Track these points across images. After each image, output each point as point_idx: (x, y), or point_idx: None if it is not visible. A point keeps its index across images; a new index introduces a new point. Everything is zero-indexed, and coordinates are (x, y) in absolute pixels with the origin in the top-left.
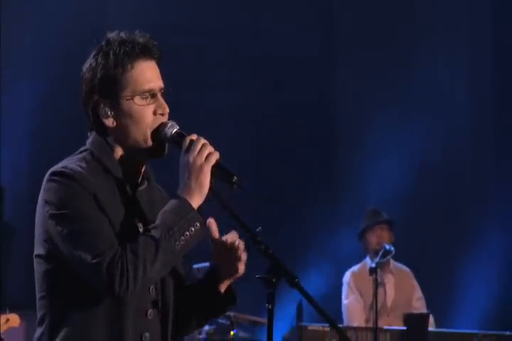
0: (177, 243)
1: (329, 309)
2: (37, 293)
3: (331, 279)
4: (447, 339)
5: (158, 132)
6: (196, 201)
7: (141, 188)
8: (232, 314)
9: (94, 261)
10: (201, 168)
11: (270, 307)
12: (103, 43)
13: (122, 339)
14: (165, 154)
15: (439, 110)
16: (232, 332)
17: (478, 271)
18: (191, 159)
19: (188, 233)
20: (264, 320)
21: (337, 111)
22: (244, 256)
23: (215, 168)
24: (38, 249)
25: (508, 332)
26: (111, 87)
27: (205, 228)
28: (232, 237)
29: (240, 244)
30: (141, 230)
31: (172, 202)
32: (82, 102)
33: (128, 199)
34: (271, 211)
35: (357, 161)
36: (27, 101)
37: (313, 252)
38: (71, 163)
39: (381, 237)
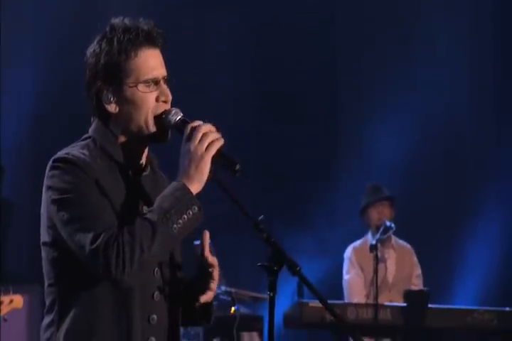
0: (174, 226)
1: (328, 285)
2: (45, 280)
3: (332, 255)
4: (447, 316)
5: (161, 119)
6: (195, 187)
7: (145, 173)
8: (233, 290)
9: (91, 245)
10: (202, 156)
11: (272, 294)
12: (107, 29)
13: (130, 322)
14: (168, 140)
15: (439, 83)
16: (233, 308)
17: (479, 247)
18: (192, 148)
19: (185, 216)
20: (265, 296)
21: (337, 88)
22: (216, 276)
23: (218, 156)
24: (44, 237)
25: (507, 308)
26: (114, 74)
27: (202, 214)
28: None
29: (214, 261)
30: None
31: (170, 186)
32: (86, 87)
33: (132, 185)
34: (270, 188)
35: (357, 137)
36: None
37: (314, 229)
38: (74, 149)
39: (382, 213)
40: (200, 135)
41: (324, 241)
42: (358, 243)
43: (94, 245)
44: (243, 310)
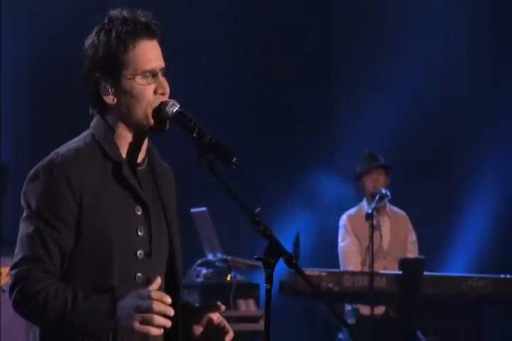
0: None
1: (324, 253)
2: None
3: (329, 223)
4: (442, 283)
5: (159, 111)
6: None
7: (140, 168)
8: (229, 258)
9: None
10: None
11: (268, 287)
12: (105, 21)
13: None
14: (166, 130)
15: (436, 44)
16: (229, 276)
17: (473, 215)
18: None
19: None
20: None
21: (334, 61)
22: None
23: (215, 148)
24: None
25: (502, 275)
26: (112, 65)
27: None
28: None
29: (226, 326)
30: (139, 213)
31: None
32: (84, 79)
33: (126, 184)
34: (267, 159)
35: (354, 107)
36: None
37: (310, 196)
38: (69, 144)
39: (377, 181)
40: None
41: (321, 209)
42: (352, 211)
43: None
44: (239, 277)
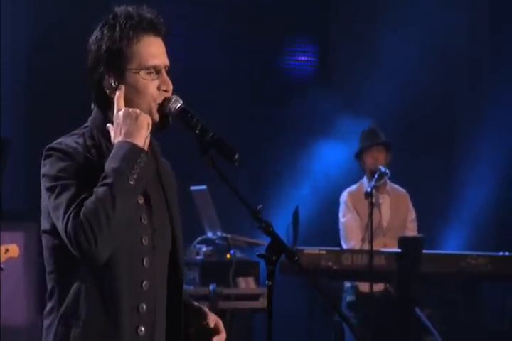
0: (130, 178)
1: (323, 229)
2: (46, 266)
3: (329, 196)
4: (441, 261)
5: (162, 107)
6: (138, 140)
7: None
8: (229, 236)
9: (65, 233)
10: (136, 114)
11: (270, 283)
12: (109, 16)
13: (117, 311)
14: (169, 127)
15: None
16: (228, 254)
17: (472, 192)
18: (123, 111)
19: (136, 166)
20: (262, 242)
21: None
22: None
23: (218, 145)
24: (44, 224)
25: (500, 253)
26: (116, 59)
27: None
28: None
29: (221, 325)
30: (140, 202)
31: (114, 148)
32: (87, 74)
33: None
34: (267, 131)
35: (351, 82)
36: None
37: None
38: (68, 138)
39: (377, 159)
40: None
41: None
42: (353, 188)
43: (66, 232)
44: (239, 255)
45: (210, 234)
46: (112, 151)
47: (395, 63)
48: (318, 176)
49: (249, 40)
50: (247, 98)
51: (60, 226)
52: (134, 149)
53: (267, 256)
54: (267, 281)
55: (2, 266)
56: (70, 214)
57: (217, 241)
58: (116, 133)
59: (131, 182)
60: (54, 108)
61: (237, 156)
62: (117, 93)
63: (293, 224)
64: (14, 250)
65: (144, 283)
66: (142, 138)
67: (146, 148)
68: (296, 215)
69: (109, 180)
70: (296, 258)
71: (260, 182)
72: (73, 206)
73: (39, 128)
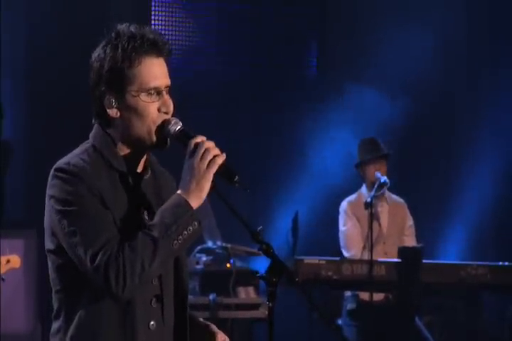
0: (175, 242)
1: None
2: (52, 286)
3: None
4: (441, 271)
5: (161, 129)
6: (195, 203)
7: (145, 177)
8: (229, 245)
9: (92, 263)
10: (203, 173)
11: (271, 305)
12: (112, 35)
13: (133, 328)
14: (167, 148)
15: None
16: (229, 263)
17: (471, 201)
18: (195, 164)
19: (186, 232)
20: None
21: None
22: None
23: (219, 167)
24: (48, 244)
25: (500, 263)
26: (117, 80)
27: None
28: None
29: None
30: (146, 218)
31: (171, 201)
32: (90, 90)
33: (132, 191)
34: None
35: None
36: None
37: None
38: (74, 157)
39: (379, 171)
40: (202, 151)
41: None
42: (352, 197)
43: (95, 264)
44: (239, 264)
45: (210, 244)
46: (170, 202)
47: (393, 65)
48: (318, 177)
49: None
50: (247, 103)
51: (80, 256)
52: (190, 215)
53: (267, 278)
54: (267, 302)
55: (3, 277)
56: (103, 254)
57: (217, 251)
58: (183, 180)
59: (175, 247)
60: (54, 114)
61: (237, 178)
62: (199, 139)
63: (292, 229)
64: (16, 261)
65: (152, 301)
66: (200, 201)
67: (143, 163)
68: (295, 221)
69: (155, 234)
70: (297, 279)
71: (258, 187)
72: (102, 240)
73: (39, 137)
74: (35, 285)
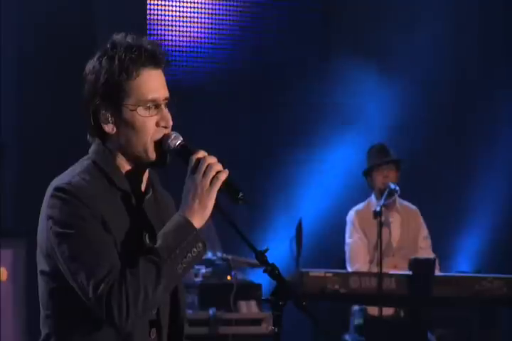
0: (179, 266)
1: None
2: (41, 309)
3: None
4: (455, 284)
5: (161, 144)
6: (198, 223)
7: (146, 197)
8: (230, 257)
9: (94, 293)
10: (207, 191)
11: (277, 330)
12: (108, 46)
13: None
14: (167, 165)
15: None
16: (229, 276)
17: (487, 213)
18: (197, 181)
19: (190, 255)
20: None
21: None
22: None
23: (222, 184)
24: (42, 265)
25: None
26: (114, 93)
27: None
28: None
29: None
30: (147, 242)
31: (173, 222)
32: (84, 104)
33: (134, 211)
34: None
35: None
36: None
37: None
38: (75, 175)
39: (387, 177)
40: (204, 167)
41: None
42: (360, 206)
43: (97, 293)
44: (240, 277)
45: (209, 255)
46: (172, 223)
47: (403, 68)
48: (322, 192)
49: None
50: (247, 102)
51: (81, 283)
52: (194, 236)
53: (273, 302)
54: (273, 327)
55: None
56: (105, 284)
57: (217, 262)
58: (184, 198)
59: (179, 271)
60: (43, 121)
61: (241, 195)
62: (201, 154)
63: (296, 237)
64: (3, 273)
65: (151, 332)
66: (203, 220)
67: (145, 181)
68: (299, 229)
69: (157, 259)
70: (304, 303)
71: (263, 194)
72: (105, 269)
73: (29, 145)
74: (23, 297)
